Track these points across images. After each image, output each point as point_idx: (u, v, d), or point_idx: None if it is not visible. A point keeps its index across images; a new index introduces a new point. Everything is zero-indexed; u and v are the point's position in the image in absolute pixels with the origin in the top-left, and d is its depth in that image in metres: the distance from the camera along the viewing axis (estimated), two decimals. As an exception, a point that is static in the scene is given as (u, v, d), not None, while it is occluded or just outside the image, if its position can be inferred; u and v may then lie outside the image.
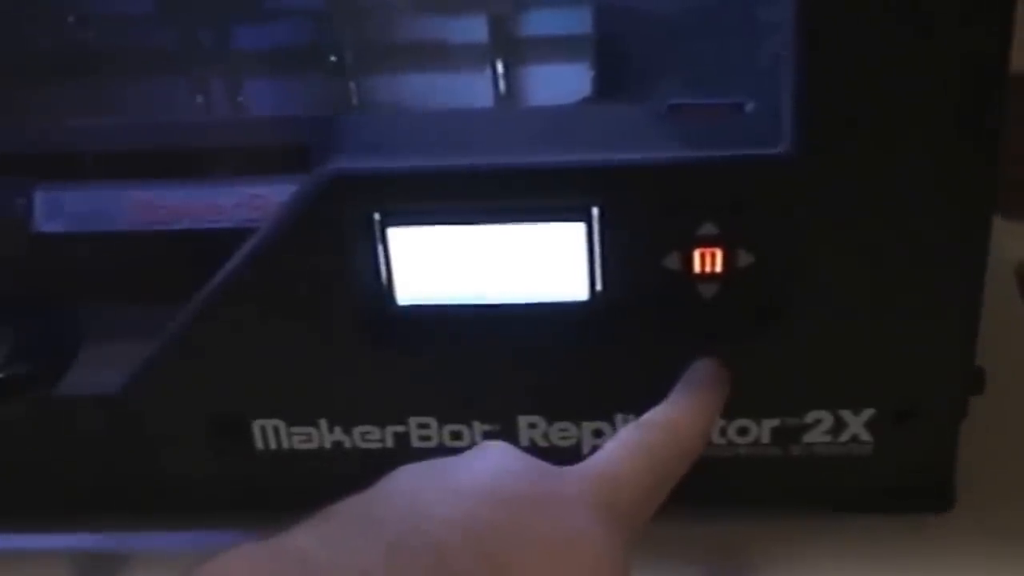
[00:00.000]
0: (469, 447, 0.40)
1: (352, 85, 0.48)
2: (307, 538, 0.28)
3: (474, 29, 0.47)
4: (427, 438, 0.40)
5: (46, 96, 0.46)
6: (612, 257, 0.37)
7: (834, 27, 0.32)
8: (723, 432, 0.40)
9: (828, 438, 0.40)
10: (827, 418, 0.39)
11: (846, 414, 0.39)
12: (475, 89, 0.47)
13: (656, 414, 0.35)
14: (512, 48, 0.47)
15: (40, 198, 0.40)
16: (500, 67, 0.46)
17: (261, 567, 0.27)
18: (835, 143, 0.34)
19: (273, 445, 0.41)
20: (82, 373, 0.39)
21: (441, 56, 0.47)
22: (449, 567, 0.28)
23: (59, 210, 0.40)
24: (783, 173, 0.34)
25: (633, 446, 0.33)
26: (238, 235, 0.38)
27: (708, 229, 0.36)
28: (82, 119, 0.44)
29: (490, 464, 0.31)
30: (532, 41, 0.47)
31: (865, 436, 0.40)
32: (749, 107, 0.36)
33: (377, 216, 0.37)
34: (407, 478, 0.31)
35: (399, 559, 0.27)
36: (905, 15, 0.32)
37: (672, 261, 0.36)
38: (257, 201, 0.40)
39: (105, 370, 0.40)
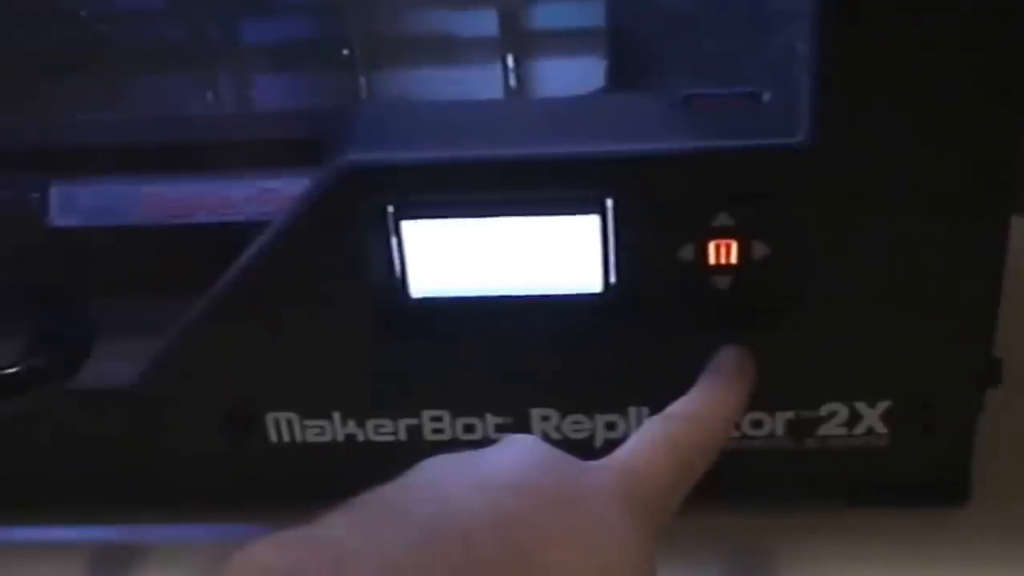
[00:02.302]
0: (482, 440, 0.40)
1: (362, 80, 0.48)
2: (337, 527, 0.28)
3: (484, 23, 0.47)
4: (440, 431, 0.40)
5: (60, 91, 0.46)
6: (626, 249, 0.37)
7: (853, 16, 0.32)
8: (737, 425, 0.39)
9: (843, 431, 0.40)
10: (842, 410, 0.39)
11: (861, 406, 0.39)
12: (486, 83, 0.47)
13: (681, 405, 0.35)
14: (523, 41, 0.47)
15: (55, 193, 0.40)
16: (511, 61, 0.46)
17: (291, 555, 0.27)
18: (852, 133, 0.34)
19: (287, 438, 0.41)
20: (97, 366, 0.39)
21: (451, 50, 0.47)
22: (477, 557, 0.28)
23: (74, 205, 0.40)
24: (799, 163, 0.34)
25: (658, 439, 0.33)
26: (251, 229, 0.38)
27: (723, 220, 0.36)
28: (95, 114, 0.44)
29: (517, 456, 0.31)
30: (543, 34, 0.47)
31: (880, 429, 0.39)
32: (765, 97, 0.36)
33: (391, 209, 0.37)
34: (435, 469, 0.31)
35: (428, 549, 0.27)
36: (927, 4, 0.31)
37: (687, 253, 0.36)
38: (270, 195, 0.40)
39: (120, 363, 0.40)
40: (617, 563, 0.30)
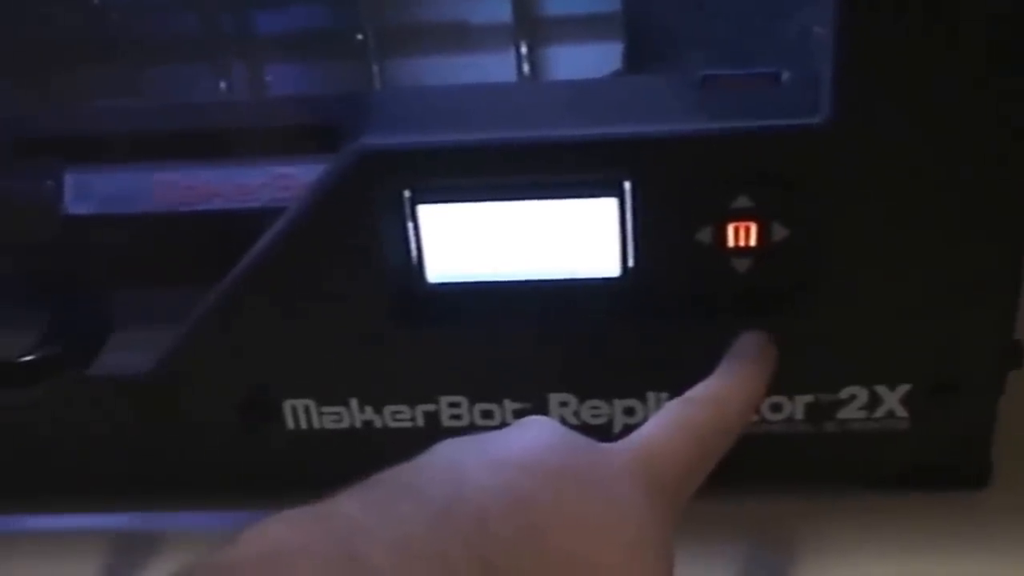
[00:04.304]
0: (500, 426, 0.40)
1: (375, 68, 0.48)
2: (350, 504, 0.28)
3: (497, 9, 0.46)
4: (458, 417, 0.40)
5: (73, 81, 0.46)
6: (644, 232, 0.36)
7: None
8: (756, 409, 0.39)
9: (863, 414, 0.39)
10: (862, 394, 0.39)
11: (881, 389, 0.39)
12: (499, 70, 0.47)
13: (701, 389, 0.34)
14: (536, 28, 0.46)
15: (70, 181, 0.40)
16: (524, 48, 0.46)
17: (303, 532, 0.27)
18: (872, 113, 0.33)
19: (304, 425, 0.41)
20: (113, 354, 0.39)
21: (464, 37, 0.47)
22: (492, 535, 0.28)
23: (89, 192, 0.40)
24: (819, 144, 0.34)
25: (677, 421, 0.33)
26: (267, 215, 0.38)
27: (742, 202, 0.35)
28: (111, 101, 0.44)
29: (533, 437, 0.31)
30: (556, 20, 0.47)
31: (901, 412, 0.39)
32: (784, 77, 0.35)
33: (407, 193, 0.36)
34: (451, 449, 0.31)
35: (442, 526, 0.27)
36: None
37: (705, 235, 0.36)
38: (285, 181, 0.39)
39: (136, 351, 0.40)
40: (634, 543, 0.30)
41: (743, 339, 0.37)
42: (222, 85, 0.48)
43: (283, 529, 0.27)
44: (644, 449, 0.32)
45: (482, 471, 0.29)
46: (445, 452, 0.30)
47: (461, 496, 0.28)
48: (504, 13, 0.47)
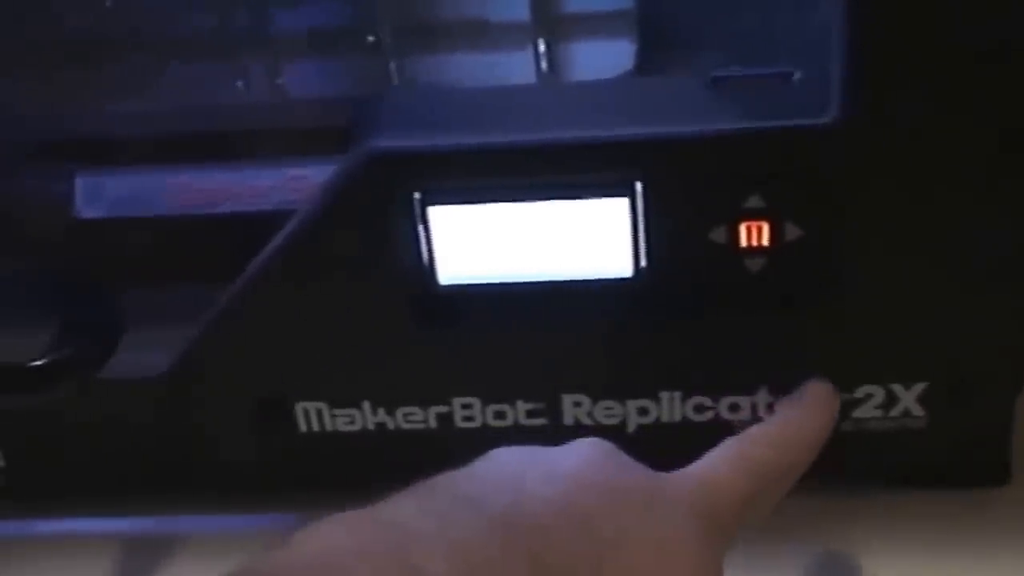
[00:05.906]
0: (513, 426, 0.40)
1: (392, 66, 0.47)
2: (406, 509, 0.28)
3: (515, 7, 0.46)
4: (470, 418, 0.40)
5: (87, 81, 0.46)
6: (656, 232, 0.36)
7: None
8: (771, 408, 0.39)
9: (879, 413, 0.39)
10: (878, 392, 0.39)
11: (897, 388, 0.38)
12: (517, 68, 0.47)
13: (761, 428, 0.35)
14: (554, 25, 0.46)
15: (81, 184, 0.40)
16: (542, 45, 0.46)
17: (359, 535, 0.26)
18: (883, 111, 0.33)
19: (316, 427, 0.41)
20: (126, 357, 0.39)
21: (482, 35, 0.47)
22: (548, 546, 0.27)
23: (100, 195, 0.40)
24: (831, 143, 0.34)
25: (736, 456, 0.33)
26: (279, 217, 0.38)
27: (754, 202, 0.35)
28: (123, 104, 0.44)
29: (591, 454, 0.31)
30: (575, 17, 0.46)
31: (917, 410, 0.39)
32: (796, 76, 0.35)
33: (418, 195, 0.36)
34: (507, 459, 0.31)
35: (500, 538, 0.27)
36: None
37: (718, 235, 0.36)
38: (297, 183, 0.39)
39: (149, 354, 0.40)
40: (687, 570, 0.30)
41: (807, 384, 0.37)
42: (239, 84, 0.48)
43: (338, 532, 0.27)
44: (702, 481, 0.32)
45: (541, 483, 0.29)
46: (501, 461, 0.31)
47: (521, 507, 0.28)
48: (522, 11, 0.46)
